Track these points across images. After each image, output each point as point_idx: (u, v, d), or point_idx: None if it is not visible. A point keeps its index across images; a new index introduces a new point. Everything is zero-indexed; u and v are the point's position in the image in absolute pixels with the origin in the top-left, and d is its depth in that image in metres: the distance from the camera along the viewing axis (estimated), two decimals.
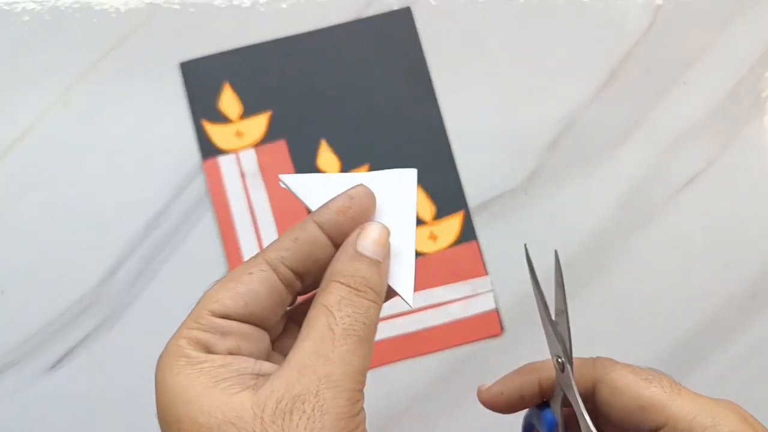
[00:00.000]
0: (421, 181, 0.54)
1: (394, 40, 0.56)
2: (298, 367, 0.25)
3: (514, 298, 0.53)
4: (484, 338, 0.53)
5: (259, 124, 0.55)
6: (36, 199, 0.54)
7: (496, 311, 0.53)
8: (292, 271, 0.29)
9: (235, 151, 0.55)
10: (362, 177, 0.31)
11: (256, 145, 0.55)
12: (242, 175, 0.54)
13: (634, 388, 0.28)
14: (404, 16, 0.56)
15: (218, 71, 0.55)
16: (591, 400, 0.30)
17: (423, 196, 0.54)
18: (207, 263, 0.53)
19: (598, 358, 0.30)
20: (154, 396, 0.26)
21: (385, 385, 0.52)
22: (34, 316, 0.52)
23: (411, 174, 0.32)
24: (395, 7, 0.56)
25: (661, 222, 0.55)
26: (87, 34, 0.55)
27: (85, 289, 0.53)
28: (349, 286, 0.27)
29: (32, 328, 0.52)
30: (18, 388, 0.52)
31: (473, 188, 0.55)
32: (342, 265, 0.28)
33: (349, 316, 0.26)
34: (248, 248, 0.53)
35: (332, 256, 0.29)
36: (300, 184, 0.32)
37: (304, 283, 0.30)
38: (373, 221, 0.30)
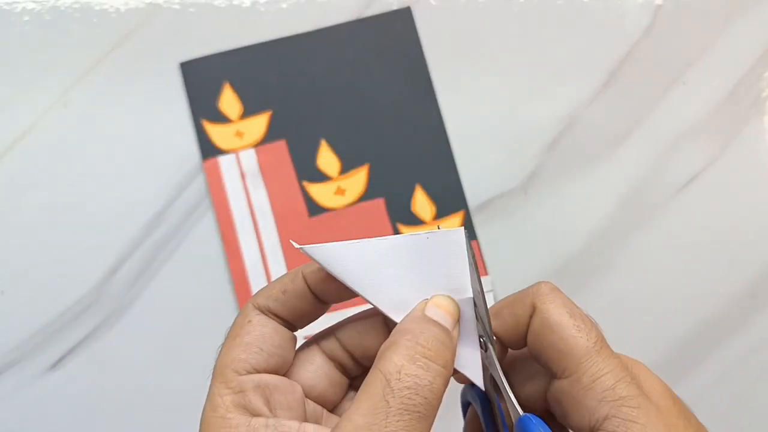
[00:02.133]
0: (421, 181, 0.55)
1: (394, 40, 0.56)
2: None
3: None
4: None
5: (259, 124, 0.55)
6: (36, 199, 0.54)
7: None
8: (281, 319, 0.29)
9: (235, 151, 0.55)
10: (397, 242, 0.28)
11: (256, 145, 0.55)
12: (242, 175, 0.54)
13: (562, 330, 0.28)
14: (404, 16, 0.56)
15: (218, 71, 0.55)
16: (523, 330, 0.29)
17: (423, 196, 0.54)
18: (207, 263, 0.53)
19: (540, 283, 0.29)
20: None
21: None
22: (34, 316, 0.52)
23: (458, 235, 0.28)
24: (395, 7, 0.56)
25: (661, 222, 0.55)
26: (87, 34, 0.55)
27: (85, 289, 0.53)
28: (419, 344, 0.25)
29: (32, 328, 0.52)
30: (18, 388, 0.52)
31: (473, 188, 0.55)
32: (410, 324, 0.27)
33: (409, 389, 0.24)
34: (248, 248, 0.53)
35: (321, 311, 0.29)
36: (326, 254, 0.28)
37: (299, 328, 0.30)
38: (440, 293, 0.28)
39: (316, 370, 0.29)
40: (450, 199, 0.54)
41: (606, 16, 0.57)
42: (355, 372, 0.30)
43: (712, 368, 0.53)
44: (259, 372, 0.27)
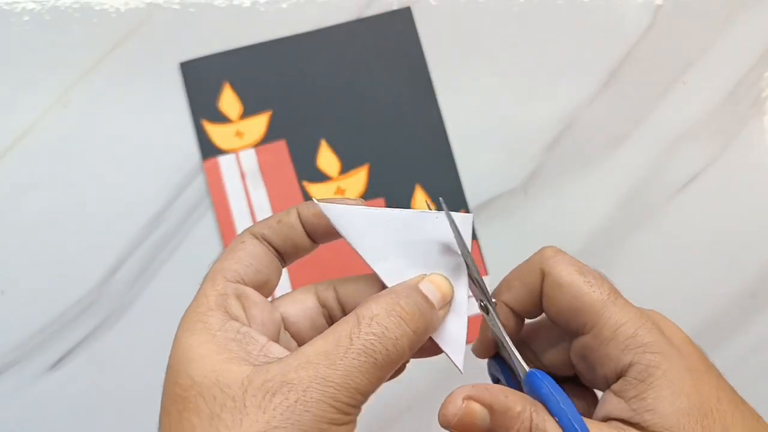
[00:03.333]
0: (421, 181, 0.55)
1: (394, 40, 0.56)
2: (300, 360, 0.25)
3: None
4: None
5: (259, 124, 0.55)
6: (36, 199, 0.54)
7: None
8: (273, 247, 0.30)
9: (235, 151, 0.55)
10: (406, 215, 0.29)
11: (256, 145, 0.55)
12: (242, 175, 0.54)
13: (575, 288, 0.29)
14: (404, 16, 0.56)
15: (218, 71, 0.55)
16: (536, 298, 0.30)
17: (423, 196, 0.54)
18: (207, 263, 0.53)
19: (544, 248, 0.31)
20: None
21: (385, 384, 0.51)
22: (34, 316, 0.52)
23: (467, 219, 0.30)
24: (395, 7, 0.56)
25: (661, 222, 0.55)
26: (87, 34, 0.55)
27: (85, 289, 0.53)
28: (398, 304, 0.27)
29: (32, 328, 0.52)
30: (18, 388, 0.52)
31: (473, 188, 0.55)
32: (399, 287, 0.28)
33: (374, 335, 0.26)
34: None
35: (309, 247, 0.31)
36: (340, 215, 0.29)
37: (286, 263, 0.31)
38: (443, 275, 0.29)
39: (305, 310, 0.31)
40: (450, 199, 0.54)
41: (606, 16, 0.57)
42: None
43: None
44: (245, 284, 0.29)
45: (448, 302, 0.29)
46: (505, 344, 0.30)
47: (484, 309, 0.30)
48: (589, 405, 0.32)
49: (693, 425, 0.26)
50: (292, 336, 0.31)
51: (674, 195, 0.55)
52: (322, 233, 0.30)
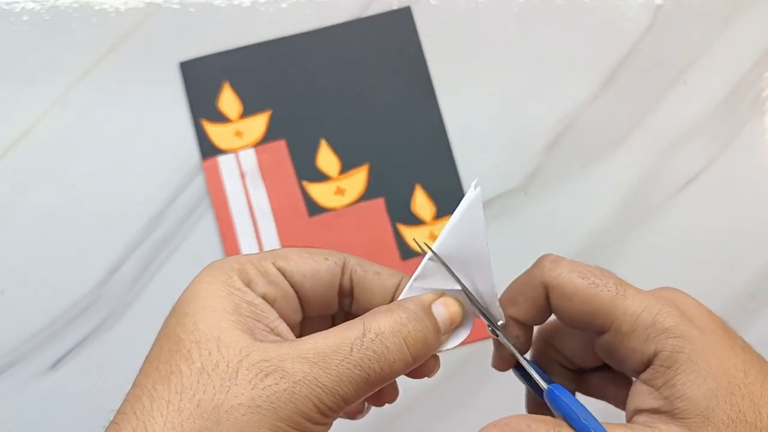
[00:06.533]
0: (421, 181, 0.55)
1: (394, 40, 0.56)
2: (300, 353, 0.26)
3: None
4: (484, 338, 0.53)
5: (258, 123, 0.55)
6: (36, 199, 0.54)
7: None
8: (351, 288, 0.30)
9: (234, 150, 0.55)
10: (488, 262, 0.29)
11: (256, 145, 0.55)
12: (242, 174, 0.54)
13: (582, 294, 0.29)
14: (404, 16, 0.56)
15: (218, 71, 0.55)
16: (543, 309, 0.30)
17: (423, 196, 0.54)
18: (207, 263, 0.53)
19: (541, 259, 0.30)
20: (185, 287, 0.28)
21: None
22: (34, 316, 0.52)
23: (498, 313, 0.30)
24: (395, 7, 0.56)
25: (661, 222, 0.55)
26: (87, 34, 0.55)
27: (85, 289, 0.53)
28: (406, 327, 0.27)
29: (32, 328, 0.52)
30: (18, 388, 0.52)
31: None
32: (413, 305, 0.28)
33: (375, 354, 0.26)
34: (248, 248, 0.53)
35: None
36: (476, 204, 0.29)
37: (351, 309, 0.31)
38: (458, 299, 0.29)
39: (326, 277, 0.30)
40: (450, 199, 0.54)
41: (606, 16, 0.57)
42: (346, 298, 0.31)
43: None
44: (288, 281, 0.29)
45: (454, 327, 0.29)
46: (521, 363, 0.30)
47: (493, 333, 0.31)
48: (623, 391, 0.32)
49: (722, 405, 0.26)
50: (306, 299, 0.30)
51: (674, 195, 0.55)
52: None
